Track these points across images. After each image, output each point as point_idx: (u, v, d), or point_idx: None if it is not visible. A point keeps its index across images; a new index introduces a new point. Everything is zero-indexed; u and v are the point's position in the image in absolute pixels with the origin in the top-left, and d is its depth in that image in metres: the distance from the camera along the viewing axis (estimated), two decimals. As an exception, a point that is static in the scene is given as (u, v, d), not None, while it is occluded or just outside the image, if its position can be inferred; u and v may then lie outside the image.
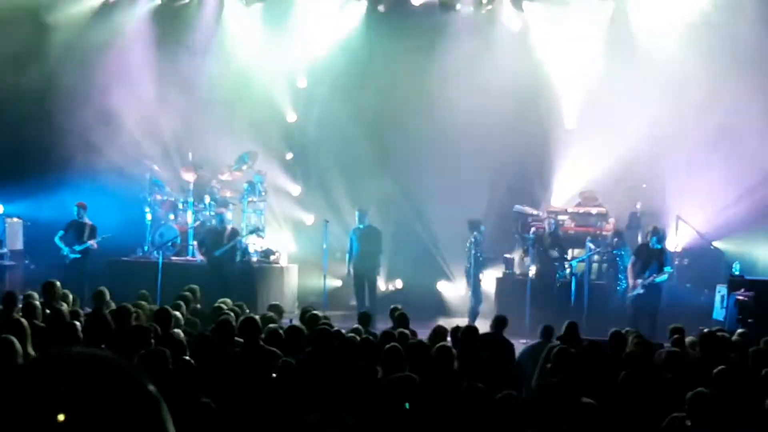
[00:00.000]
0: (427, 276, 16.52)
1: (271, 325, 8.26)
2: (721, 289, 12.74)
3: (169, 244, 15.19)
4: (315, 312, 9.75)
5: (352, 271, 14.76)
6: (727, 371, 6.78)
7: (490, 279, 14.87)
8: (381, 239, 14.91)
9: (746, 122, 15.29)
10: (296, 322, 9.31)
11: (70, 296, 10.26)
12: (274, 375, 6.48)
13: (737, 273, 13.15)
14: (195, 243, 15.08)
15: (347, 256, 14.88)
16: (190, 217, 15.63)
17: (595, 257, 14.92)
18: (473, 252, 14.19)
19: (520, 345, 9.56)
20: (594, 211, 15.47)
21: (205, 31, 17.07)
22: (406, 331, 8.69)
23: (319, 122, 17.40)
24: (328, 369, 6.61)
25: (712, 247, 15.47)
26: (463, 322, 11.88)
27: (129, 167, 16.11)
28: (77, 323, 7.67)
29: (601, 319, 12.24)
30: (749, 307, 11.82)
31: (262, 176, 15.99)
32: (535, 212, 15.67)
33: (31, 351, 6.73)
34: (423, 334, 8.99)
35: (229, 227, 14.45)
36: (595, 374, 7.07)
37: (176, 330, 7.98)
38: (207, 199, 15.57)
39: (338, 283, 16.06)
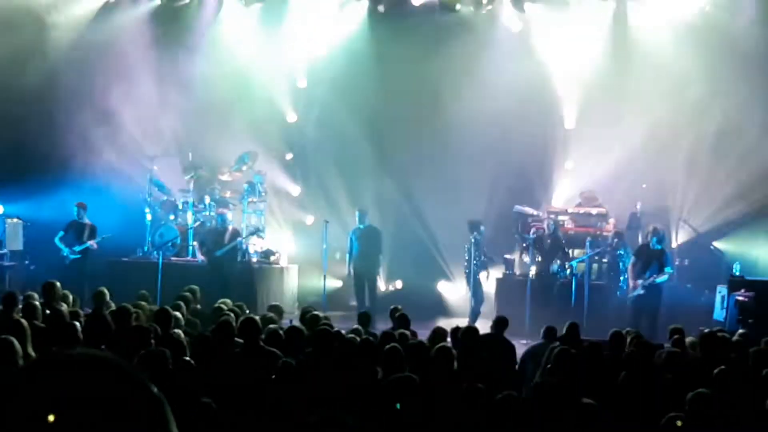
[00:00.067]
0: (427, 276, 16.53)
1: (271, 326, 8.25)
2: (722, 290, 12.74)
3: (169, 244, 15.18)
4: (315, 312, 9.76)
5: (352, 271, 14.76)
6: (728, 372, 6.78)
7: (490, 279, 14.85)
8: (381, 239, 14.92)
9: (746, 122, 15.30)
10: (296, 323, 9.32)
11: (70, 297, 10.26)
12: (273, 376, 6.47)
13: (737, 273, 13.15)
14: (195, 243, 15.08)
15: (347, 256, 14.89)
16: (190, 218, 15.63)
17: (596, 258, 14.91)
18: (473, 252, 14.18)
19: (520, 345, 9.56)
20: (594, 211, 15.47)
21: (204, 31, 17.08)
22: (406, 332, 8.69)
23: (319, 122, 17.40)
24: (328, 370, 6.61)
25: (712, 248, 15.48)
26: (463, 322, 11.88)
27: (129, 167, 16.12)
28: (77, 324, 7.67)
29: (601, 319, 12.23)
30: (749, 307, 11.83)
31: (262, 176, 16.00)
32: (535, 212, 15.67)
33: (31, 351, 6.73)
34: (423, 335, 8.99)
35: (230, 227, 14.46)
36: (595, 375, 7.07)
37: (176, 330, 7.98)
38: (207, 199, 15.57)
39: (339, 283, 16.06)
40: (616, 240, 14.56)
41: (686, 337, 8.83)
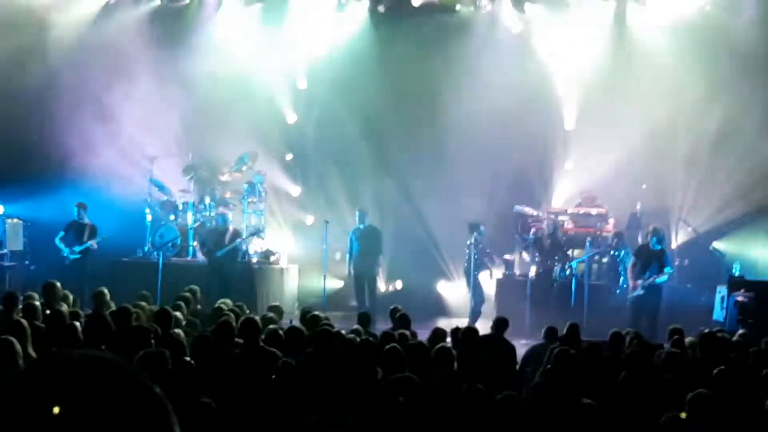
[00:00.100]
0: (426, 276, 16.52)
1: (271, 326, 8.25)
2: (721, 290, 12.75)
3: (170, 244, 15.18)
4: (316, 313, 9.76)
5: (352, 271, 14.76)
6: (727, 372, 6.78)
7: (490, 280, 14.85)
8: (381, 239, 14.92)
9: (746, 122, 15.30)
10: (296, 323, 9.32)
11: (71, 297, 10.26)
12: (273, 376, 6.48)
13: (737, 274, 13.15)
14: (196, 243, 15.08)
15: (347, 256, 14.89)
16: (190, 218, 15.63)
17: (595, 258, 14.91)
18: (473, 253, 14.18)
19: (520, 346, 9.56)
20: (594, 211, 15.47)
21: (204, 31, 17.08)
22: (406, 332, 8.69)
23: (319, 123, 17.40)
24: (327, 370, 6.61)
25: (711, 248, 15.48)
26: (462, 322, 11.89)
27: (129, 168, 16.11)
28: (77, 324, 7.67)
29: (601, 319, 12.22)
30: (749, 307, 11.83)
31: (262, 177, 16.00)
32: (535, 213, 15.68)
33: (31, 352, 6.73)
34: (423, 335, 8.99)
35: (231, 228, 14.46)
36: (595, 375, 7.08)
37: (176, 330, 7.98)
38: (207, 199, 15.57)
39: (340, 284, 16.05)
40: (615, 240, 14.56)
41: (686, 337, 8.83)
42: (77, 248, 13.72)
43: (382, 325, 10.37)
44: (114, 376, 1.29)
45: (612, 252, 14.58)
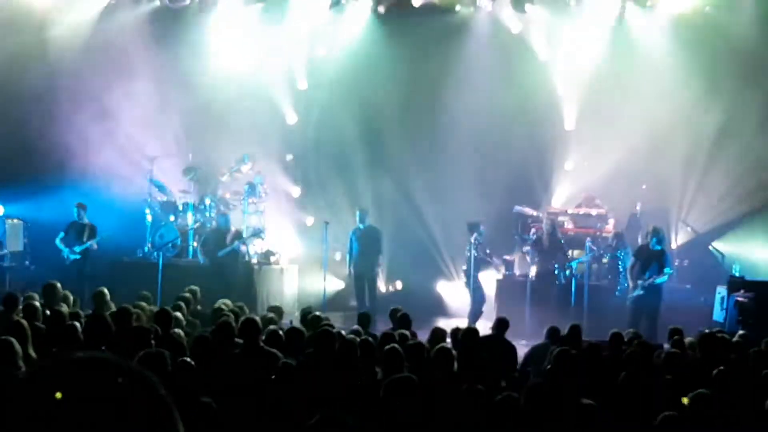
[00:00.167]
0: (426, 276, 16.52)
1: (271, 327, 8.26)
2: (721, 291, 12.74)
3: (170, 245, 15.18)
4: (317, 313, 9.76)
5: (352, 271, 14.76)
6: (727, 372, 6.78)
7: (490, 280, 14.85)
8: (381, 239, 14.92)
9: (745, 122, 15.30)
10: (296, 324, 9.32)
11: (71, 297, 10.26)
12: (273, 376, 6.48)
13: (737, 274, 13.14)
14: (196, 243, 15.09)
15: (347, 256, 14.89)
16: (190, 219, 15.63)
17: (595, 258, 14.91)
18: (473, 253, 14.18)
19: (520, 346, 9.57)
20: (594, 212, 15.47)
21: (204, 31, 17.07)
22: (406, 332, 8.69)
23: (319, 123, 17.40)
24: (327, 370, 6.61)
25: (711, 248, 15.48)
26: (462, 323, 11.89)
27: (129, 168, 16.12)
28: (77, 324, 7.67)
29: (600, 320, 12.23)
30: (749, 308, 11.82)
31: (262, 177, 16.00)
32: (534, 213, 15.68)
33: (31, 352, 6.73)
34: (423, 336, 8.99)
35: (232, 228, 14.47)
36: (594, 375, 7.08)
37: (176, 330, 7.98)
38: (207, 200, 15.57)
39: (340, 284, 16.05)
40: (615, 241, 14.56)
41: (686, 337, 8.83)
42: (77, 248, 13.72)
43: (382, 326, 10.37)
44: (121, 378, 1.29)
45: (612, 252, 14.58)
